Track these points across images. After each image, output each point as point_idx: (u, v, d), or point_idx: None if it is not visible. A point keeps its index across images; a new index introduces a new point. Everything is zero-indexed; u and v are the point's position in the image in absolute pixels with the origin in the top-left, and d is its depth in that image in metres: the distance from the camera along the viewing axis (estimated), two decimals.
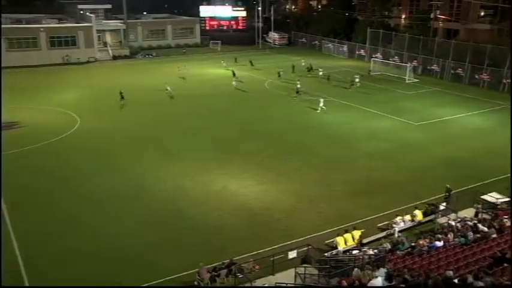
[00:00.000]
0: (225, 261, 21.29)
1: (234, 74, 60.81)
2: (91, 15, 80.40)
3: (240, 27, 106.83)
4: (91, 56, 78.24)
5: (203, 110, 48.27)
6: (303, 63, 71.64)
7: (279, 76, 62.62)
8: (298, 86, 53.85)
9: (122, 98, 49.67)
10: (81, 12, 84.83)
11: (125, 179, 31.50)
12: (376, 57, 71.77)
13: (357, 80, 58.13)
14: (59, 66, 73.32)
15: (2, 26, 73.63)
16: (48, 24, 78.85)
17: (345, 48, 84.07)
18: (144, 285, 20.56)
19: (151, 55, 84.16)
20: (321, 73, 63.72)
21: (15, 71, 67.96)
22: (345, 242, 22.87)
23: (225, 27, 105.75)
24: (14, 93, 54.10)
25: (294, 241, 23.79)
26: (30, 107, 48.45)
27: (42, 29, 75.74)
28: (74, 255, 22.82)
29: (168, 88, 53.49)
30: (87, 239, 24.26)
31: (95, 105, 49.78)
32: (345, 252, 22.50)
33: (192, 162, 34.43)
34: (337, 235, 23.18)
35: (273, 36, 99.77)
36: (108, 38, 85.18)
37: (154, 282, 20.74)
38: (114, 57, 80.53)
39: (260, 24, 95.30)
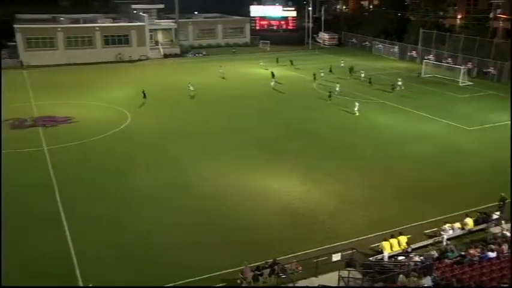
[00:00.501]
0: (268, 261, 21.28)
1: (273, 75, 60.23)
2: (144, 14, 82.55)
3: (290, 27, 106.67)
4: (143, 54, 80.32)
5: (246, 109, 48.56)
6: (342, 65, 70.59)
7: (315, 79, 60.96)
8: (337, 89, 53.03)
9: (144, 97, 50.22)
10: (135, 11, 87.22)
11: (171, 175, 32.07)
12: (428, 59, 69.77)
13: (400, 83, 56.36)
14: (112, 63, 75.69)
15: (63, 25, 76.97)
16: (103, 23, 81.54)
17: (396, 49, 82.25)
18: (185, 281, 20.86)
19: (201, 54, 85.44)
20: (362, 75, 62.23)
21: (72, 68, 70.87)
22: (390, 247, 22.37)
23: (275, 27, 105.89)
24: (69, 89, 56.38)
25: (337, 244, 23.48)
26: (83, 103, 50.23)
27: (97, 28, 78.45)
28: (120, 249, 23.45)
29: (191, 87, 53.46)
30: (133, 233, 24.87)
31: (146, 102, 50.92)
32: (390, 257, 22.01)
33: (235, 160, 34.68)
34: (383, 240, 22.69)
35: (323, 36, 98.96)
36: (159, 37, 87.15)
37: (196, 278, 20.97)
38: (165, 56, 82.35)
39: (310, 25, 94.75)
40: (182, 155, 35.80)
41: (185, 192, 29.62)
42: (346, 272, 20.62)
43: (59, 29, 76.02)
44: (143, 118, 45.33)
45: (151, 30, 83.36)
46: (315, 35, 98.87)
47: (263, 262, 21.27)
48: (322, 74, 62.65)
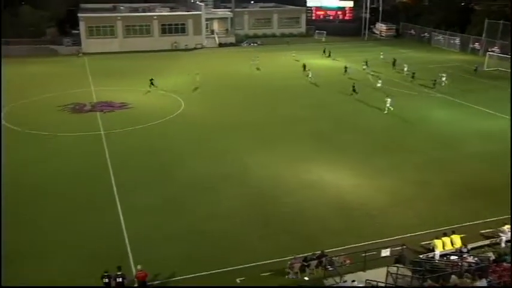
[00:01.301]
0: (315, 253, 21.14)
1: (304, 68, 58.81)
2: (201, 4, 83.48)
3: (346, 18, 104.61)
4: (198, 43, 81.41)
5: (298, 100, 48.09)
6: (382, 57, 68.40)
7: (346, 71, 58.61)
8: (379, 84, 50.96)
9: (152, 84, 50.56)
10: (192, 1, 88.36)
11: (224, 163, 32.39)
12: (492, 51, 66.39)
13: (444, 78, 53.19)
14: (168, 52, 77.16)
15: (122, 14, 79.18)
16: (161, 12, 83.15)
17: (457, 41, 78.85)
18: (233, 268, 21.08)
19: (255, 43, 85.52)
20: (405, 68, 59.57)
21: (129, 55, 72.84)
22: (443, 245, 21.60)
23: (331, 18, 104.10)
24: (126, 76, 58.00)
25: (387, 239, 22.95)
26: (139, 90, 51.51)
27: (155, 17, 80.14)
28: (175, 234, 23.95)
29: (198, 78, 53.15)
30: (186, 219, 25.36)
31: (199, 90, 51.72)
32: (442, 256, 21.27)
33: (289, 150, 34.56)
34: (435, 238, 21.95)
35: (380, 27, 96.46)
36: (215, 26, 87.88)
37: (244, 266, 21.17)
38: (220, 45, 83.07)
39: (367, 15, 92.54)
40: (235, 144, 36.07)
41: (238, 180, 29.86)
42: (394, 269, 20.12)
43: (119, 18, 78.31)
44: (196, 106, 46.01)
45: (207, 19, 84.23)
46: (371, 26, 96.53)
47: (310, 253, 21.14)
48: (364, 67, 60.85)
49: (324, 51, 72.16)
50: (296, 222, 24.91)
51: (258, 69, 62.26)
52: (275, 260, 21.45)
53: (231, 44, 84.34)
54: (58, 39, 78.31)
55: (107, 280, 18.94)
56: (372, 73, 57.84)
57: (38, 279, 20.25)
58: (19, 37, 74.62)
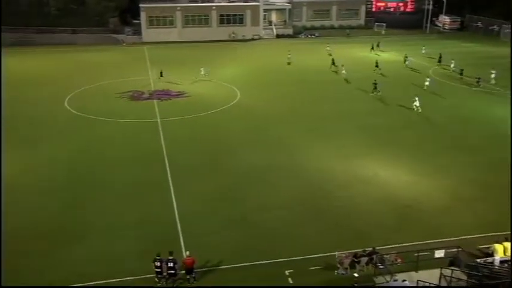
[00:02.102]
0: (366, 249, 20.70)
1: (333, 62, 56.24)
2: None
3: (408, 10, 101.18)
4: (256, 34, 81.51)
5: (350, 93, 47.11)
6: (423, 51, 65.22)
7: (377, 66, 55.11)
8: (427, 83, 47.72)
9: (161, 76, 50.41)
10: None
11: (277, 154, 32.36)
12: None
13: (493, 75, 49.61)
14: (225, 42, 77.76)
15: (182, 4, 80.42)
16: (220, 3, 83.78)
17: None
18: (283, 259, 21.04)
19: (313, 35, 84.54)
20: (452, 65, 56.06)
21: (187, 45, 74.05)
22: (504, 251, 20.50)
23: (392, 10, 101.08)
24: (183, 65, 58.90)
25: (442, 240, 22.15)
26: (196, 79, 52.16)
27: (214, 8, 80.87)
28: (226, 223, 24.23)
29: (202, 72, 51.54)
30: (239, 208, 25.55)
31: (255, 81, 51.84)
32: (502, 262, 20.20)
33: (343, 145, 34.02)
34: (495, 242, 20.87)
35: (443, 19, 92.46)
36: (273, 17, 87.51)
37: (294, 258, 21.09)
38: (278, 36, 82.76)
39: (430, 7, 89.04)
40: (288, 136, 35.91)
41: (291, 172, 29.77)
42: (449, 271, 19.34)
43: (178, 8, 79.61)
44: (252, 97, 46.12)
45: (265, 10, 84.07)
46: (434, 18, 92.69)
47: (361, 250, 20.73)
48: (407, 62, 58.09)
49: (373, 48, 68.06)
50: (348, 217, 24.56)
51: (288, 63, 59.75)
52: (325, 254, 21.23)
53: (288, 36, 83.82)
54: (120, 29, 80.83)
55: (158, 264, 19.40)
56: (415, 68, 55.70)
57: (98, 257, 21.16)
58: (84, 26, 77.72)
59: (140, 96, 46.53)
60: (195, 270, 19.88)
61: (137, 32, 79.48)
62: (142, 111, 41.50)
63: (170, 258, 19.46)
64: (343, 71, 52.42)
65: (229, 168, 30.49)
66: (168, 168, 30.11)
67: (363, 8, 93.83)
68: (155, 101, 44.64)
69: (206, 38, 77.89)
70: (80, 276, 19.94)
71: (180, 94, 47.05)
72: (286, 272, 20.25)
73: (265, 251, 21.68)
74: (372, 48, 67.77)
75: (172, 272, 19.47)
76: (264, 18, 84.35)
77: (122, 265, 20.74)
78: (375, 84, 46.13)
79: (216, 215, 24.90)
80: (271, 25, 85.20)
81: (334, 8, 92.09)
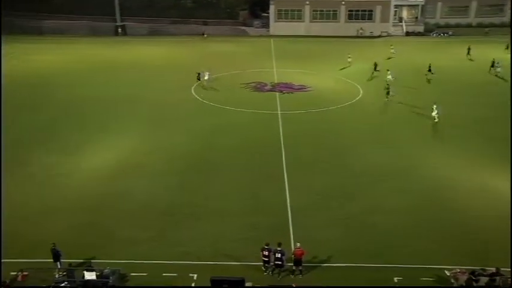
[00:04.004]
0: (486, 268, 19.06)
1: (375, 67, 51.02)
2: None
3: None
4: (384, 31, 78.79)
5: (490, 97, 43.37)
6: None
7: (429, 70, 50.08)
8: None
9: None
10: None
11: (398, 157, 31.20)
12: None
13: None
14: (352, 38, 76.25)
15: None
16: None
17: None
18: (392, 265, 20.27)
19: (446, 34, 79.38)
20: (498, 69, 49.90)
21: (313, 40, 73.91)
22: None
23: None
24: (308, 59, 59.03)
25: None
26: (319, 74, 51.99)
27: (343, 3, 79.59)
28: (337, 220, 23.97)
29: (206, 77, 47.34)
30: (352, 207, 25.09)
31: (379, 79, 50.08)
32: None
33: (464, 153, 31.72)
34: None
35: None
36: (404, 13, 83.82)
37: (404, 265, 20.24)
38: (407, 34, 79.19)
39: None
40: (409, 138, 34.43)
41: (409, 176, 28.59)
42: None
43: (307, 3, 79.71)
44: (374, 95, 44.74)
45: (396, 6, 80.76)
46: None
47: (479, 268, 19.12)
48: (498, 69, 50.94)
49: (468, 52, 60.07)
50: (465, 230, 22.89)
51: (349, 63, 56.12)
52: (437, 266, 20.08)
53: (418, 33, 79.72)
54: (248, 22, 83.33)
55: (266, 253, 19.76)
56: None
57: (207, 239, 22.24)
58: (216, 18, 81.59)
59: (263, 87, 47.61)
60: (304, 264, 19.91)
61: (265, 25, 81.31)
62: (264, 103, 42.43)
63: (279, 249, 19.69)
64: (389, 76, 46.74)
65: (345, 166, 30.02)
66: (284, 160, 30.50)
67: (510, 4, 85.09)
68: (277, 93, 45.37)
69: (333, 33, 77.02)
70: (187, 255, 21.02)
71: (302, 88, 47.29)
72: (395, 279, 19.47)
73: (374, 254, 21.08)
74: (468, 52, 60.03)
75: (279, 263, 19.71)
76: (395, 15, 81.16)
77: (230, 250, 21.47)
78: (388, 88, 43.33)
79: (327, 211, 24.71)
80: (401, 22, 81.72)
81: (474, 4, 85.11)
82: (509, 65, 49.56)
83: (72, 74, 52.87)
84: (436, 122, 36.74)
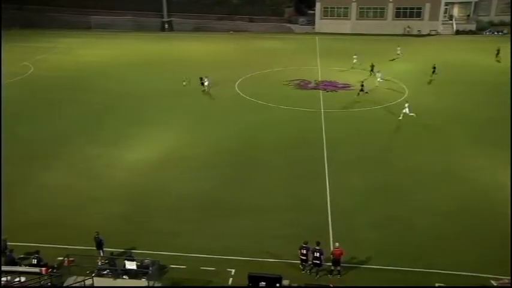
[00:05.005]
0: None
1: (372, 69, 49.43)
2: None
3: None
4: (433, 29, 76.52)
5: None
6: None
7: (434, 71, 48.41)
8: None
9: (202, 84, 45.25)
10: None
11: (442, 158, 30.32)
12: None
13: None
14: (399, 37, 74.40)
15: None
16: None
17: None
18: (427, 270, 19.69)
19: (501, 32, 76.22)
20: None
21: (358, 38, 72.75)
22: None
23: None
24: (350, 58, 58.08)
25: None
26: (362, 73, 51.08)
27: (391, 0, 77.92)
28: (379, 221, 23.48)
29: (206, 82, 45.28)
30: (395, 208, 24.57)
31: (425, 80, 48.76)
32: None
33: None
34: None
35: None
36: (455, 11, 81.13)
37: (448, 272, 19.63)
38: (457, 32, 76.59)
39: None
40: (454, 140, 33.37)
41: (453, 178, 27.80)
42: None
43: (354, 0, 78.54)
44: (420, 96, 43.49)
45: (446, 4, 78.23)
46: None
47: None
48: None
49: (497, 54, 56.94)
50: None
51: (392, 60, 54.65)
52: (482, 275, 19.30)
53: (470, 32, 76.95)
54: (294, 19, 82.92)
55: (304, 251, 19.60)
56: None
57: (246, 234, 22.31)
58: (261, 15, 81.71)
59: (306, 85, 47.26)
60: (342, 264, 19.66)
61: (310, 22, 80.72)
62: (307, 101, 42.09)
63: (317, 248, 19.50)
64: (378, 79, 46.09)
65: (389, 166, 29.41)
66: (325, 159, 30.19)
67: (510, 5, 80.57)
68: (321, 91, 44.92)
69: (379, 32, 75.55)
70: (226, 249, 21.17)
71: (346, 86, 46.64)
72: (437, 285, 18.93)
73: (415, 258, 20.56)
74: (497, 55, 56.87)
75: (318, 262, 19.52)
76: (445, 12, 78.64)
77: (268, 247, 21.46)
78: (362, 86, 43.10)
79: (368, 212, 24.26)
80: (451, 20, 79.10)
81: None
82: None
83: (118, 68, 54.35)
84: (400, 119, 36.42)
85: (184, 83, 45.48)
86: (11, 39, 69.89)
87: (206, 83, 45.11)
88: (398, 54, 58.49)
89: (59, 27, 79.43)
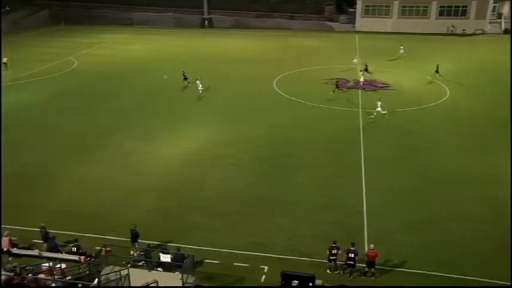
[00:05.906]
0: None
1: (366, 69, 48.58)
2: None
3: None
4: (478, 28, 74.19)
5: None
6: None
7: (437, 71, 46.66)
8: None
9: (185, 79, 45.59)
10: None
11: (481, 163, 29.41)
12: None
13: None
14: (442, 36, 72.66)
15: None
16: None
17: None
18: (460, 276, 19.15)
19: None
20: None
21: (401, 37, 70.71)
22: None
23: None
24: (393, 56, 57.07)
25: None
26: (404, 72, 50.12)
27: None
28: (413, 224, 23.03)
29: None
30: (429, 212, 24.02)
31: (467, 80, 47.40)
32: None
33: None
34: None
35: None
36: (505, 9, 78.03)
37: (481, 279, 19.06)
38: (506, 31, 73.86)
39: None
40: (493, 144, 32.22)
41: (491, 182, 26.93)
42: None
43: None
44: (462, 98, 42.35)
45: (495, 1, 75.44)
46: None
47: None
48: None
49: None
50: None
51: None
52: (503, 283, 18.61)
53: None
54: (334, 17, 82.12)
55: (334, 251, 19.42)
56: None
57: (279, 231, 22.33)
58: (301, 13, 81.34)
59: (345, 84, 46.71)
60: (377, 266, 19.42)
61: (351, 20, 79.78)
62: (345, 100, 41.63)
63: (352, 249, 19.31)
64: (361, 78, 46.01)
65: (426, 168, 28.74)
66: (362, 159, 29.81)
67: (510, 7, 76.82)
68: (359, 91, 44.33)
69: (421, 31, 73.86)
70: (259, 247, 21.24)
71: (385, 86, 45.85)
72: None
73: (450, 264, 20.01)
74: None
75: (352, 262, 19.32)
76: (493, 11, 75.91)
77: (302, 245, 21.40)
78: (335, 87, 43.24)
79: (404, 214, 23.82)
80: (499, 18, 76.27)
81: None
82: None
83: (158, 64, 55.16)
84: (373, 118, 36.28)
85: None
86: (56, 35, 72.31)
87: (200, 87, 42.63)
88: (401, 53, 57.27)
89: (102, 24, 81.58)
